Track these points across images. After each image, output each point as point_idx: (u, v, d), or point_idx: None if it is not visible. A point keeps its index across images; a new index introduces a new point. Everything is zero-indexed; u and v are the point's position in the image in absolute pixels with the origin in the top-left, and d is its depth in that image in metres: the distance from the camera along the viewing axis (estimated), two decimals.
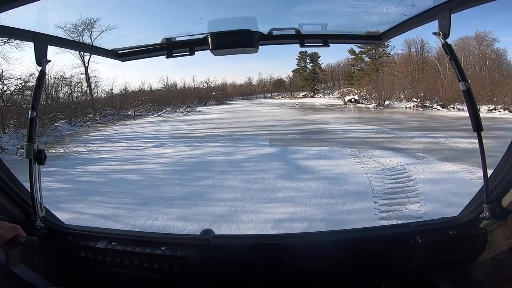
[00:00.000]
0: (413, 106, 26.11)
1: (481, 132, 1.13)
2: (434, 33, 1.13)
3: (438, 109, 23.46)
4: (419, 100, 26.39)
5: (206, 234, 1.43)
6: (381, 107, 27.81)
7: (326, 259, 1.24)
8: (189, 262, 1.25)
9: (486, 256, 1.20)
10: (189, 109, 32.68)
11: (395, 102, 28.64)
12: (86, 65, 30.26)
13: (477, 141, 1.15)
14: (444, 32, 1.10)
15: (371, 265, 1.28)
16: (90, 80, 30.62)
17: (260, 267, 1.27)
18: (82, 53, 26.05)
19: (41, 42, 1.21)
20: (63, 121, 20.36)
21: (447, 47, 1.11)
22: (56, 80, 24.14)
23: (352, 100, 32.29)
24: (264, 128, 16.35)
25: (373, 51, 37.67)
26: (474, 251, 1.22)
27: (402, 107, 27.02)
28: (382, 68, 38.03)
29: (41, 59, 1.20)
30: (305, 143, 11.57)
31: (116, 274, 1.30)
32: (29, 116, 1.22)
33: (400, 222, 4.64)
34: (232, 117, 23.58)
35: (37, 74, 1.25)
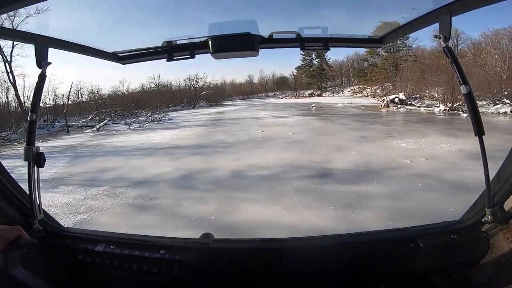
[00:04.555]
0: (511, 111, 17.59)
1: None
2: (435, 36, 1.14)
3: None
4: None
5: (206, 238, 1.43)
6: (458, 113, 18.53)
7: (327, 263, 1.23)
8: (188, 266, 1.24)
9: (488, 260, 1.19)
10: (157, 116, 24.39)
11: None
12: (9, 59, 21.93)
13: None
14: (445, 35, 1.10)
15: (372, 269, 1.27)
16: (15, 80, 22.63)
17: (260, 271, 1.26)
18: None
19: (42, 44, 1.20)
20: None
21: (447, 50, 1.11)
22: None
23: (396, 100, 23.86)
24: None
25: (391, 44, 32.10)
26: (476, 255, 1.21)
27: (492, 113, 17.67)
28: (402, 62, 33.97)
29: (42, 61, 1.20)
30: None
31: (114, 277, 1.29)
32: (28, 119, 1.22)
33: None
34: (196, 145, 11.97)
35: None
